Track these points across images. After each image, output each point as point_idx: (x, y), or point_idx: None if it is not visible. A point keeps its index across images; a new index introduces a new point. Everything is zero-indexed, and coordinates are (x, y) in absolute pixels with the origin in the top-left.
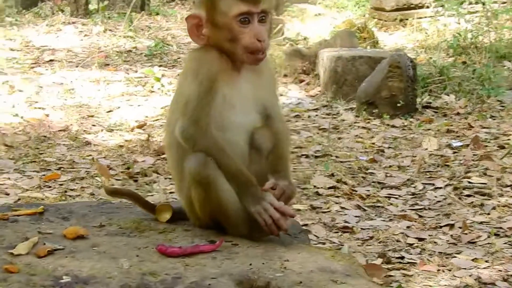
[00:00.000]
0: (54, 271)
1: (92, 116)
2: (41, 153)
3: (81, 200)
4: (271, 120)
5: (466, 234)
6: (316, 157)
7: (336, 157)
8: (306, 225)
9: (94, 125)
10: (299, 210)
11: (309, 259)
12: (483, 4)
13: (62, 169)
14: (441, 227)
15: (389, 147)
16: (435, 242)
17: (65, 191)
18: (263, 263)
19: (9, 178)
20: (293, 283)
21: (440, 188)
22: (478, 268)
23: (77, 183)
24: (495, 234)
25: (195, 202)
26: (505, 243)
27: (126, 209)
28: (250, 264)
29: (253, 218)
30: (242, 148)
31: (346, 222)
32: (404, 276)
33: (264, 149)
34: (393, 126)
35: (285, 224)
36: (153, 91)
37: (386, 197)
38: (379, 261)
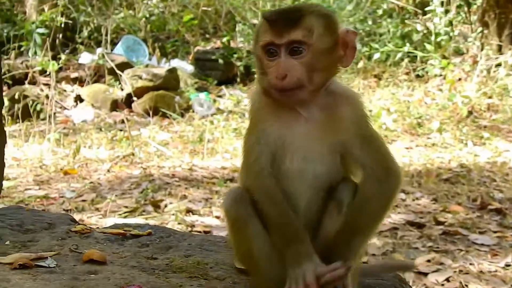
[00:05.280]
0: None
1: None
2: None
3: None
4: (364, 175)
5: None
6: None
7: None
8: None
9: None
10: None
11: None
12: None
13: None
14: None
15: None
16: None
17: None
18: None
19: None
20: None
21: None
22: None
23: None
24: None
25: (231, 243)
26: None
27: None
28: None
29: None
30: (306, 199)
31: None
32: None
33: (343, 206)
34: None
35: None
36: None
37: None
38: None
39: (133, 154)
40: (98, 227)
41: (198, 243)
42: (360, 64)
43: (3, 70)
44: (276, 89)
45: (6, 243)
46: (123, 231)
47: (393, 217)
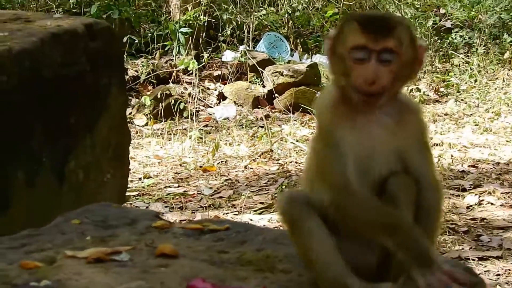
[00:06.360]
0: (56, 275)
1: None
2: None
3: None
4: (419, 185)
5: None
6: None
7: None
8: None
9: None
10: None
11: None
12: None
13: None
14: None
15: None
16: None
17: None
18: None
19: None
20: None
21: None
22: None
23: None
24: None
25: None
26: None
27: None
28: None
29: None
30: None
31: None
32: None
33: (399, 199)
34: None
35: None
36: None
37: None
38: None
39: (271, 151)
40: (178, 222)
41: (273, 237)
42: (506, 55)
43: (147, 70)
44: (361, 92)
45: (87, 238)
46: (201, 226)
47: None
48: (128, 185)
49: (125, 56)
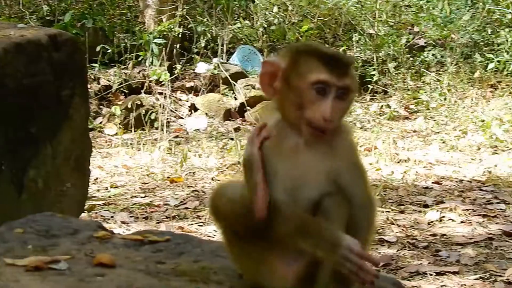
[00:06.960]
0: None
1: None
2: None
3: None
4: (352, 203)
5: None
6: None
7: None
8: None
9: None
10: None
11: None
12: None
13: None
14: None
15: None
16: None
17: None
18: None
19: None
20: None
21: None
22: None
23: None
24: None
25: None
26: None
27: None
28: None
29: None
30: None
31: None
32: None
33: (331, 218)
34: None
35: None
36: None
37: None
38: None
39: (239, 163)
40: (119, 234)
41: (213, 249)
42: (476, 74)
43: (120, 80)
44: (315, 127)
45: (28, 247)
46: (141, 237)
47: (490, 227)
48: (94, 194)
49: (97, 65)
